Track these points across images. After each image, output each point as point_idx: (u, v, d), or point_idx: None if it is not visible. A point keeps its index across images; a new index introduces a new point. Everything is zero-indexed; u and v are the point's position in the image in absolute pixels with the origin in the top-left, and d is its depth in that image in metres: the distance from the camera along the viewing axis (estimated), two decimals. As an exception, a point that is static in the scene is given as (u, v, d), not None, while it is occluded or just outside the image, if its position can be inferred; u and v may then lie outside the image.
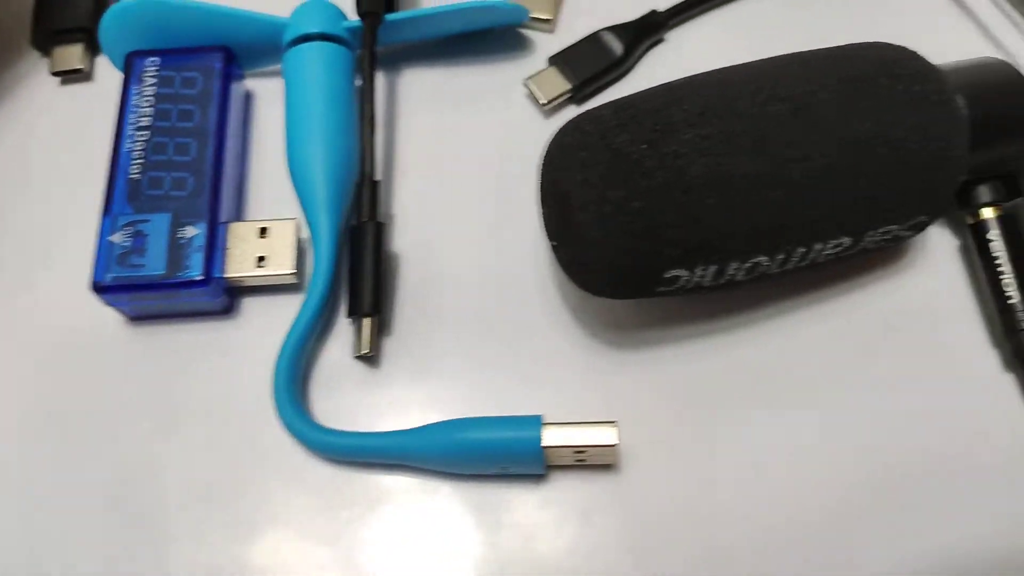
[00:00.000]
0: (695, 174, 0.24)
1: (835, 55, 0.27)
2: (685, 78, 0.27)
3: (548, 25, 0.35)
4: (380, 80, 0.34)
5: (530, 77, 0.33)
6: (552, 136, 0.26)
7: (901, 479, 0.27)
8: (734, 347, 0.29)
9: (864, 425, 0.28)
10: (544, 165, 0.27)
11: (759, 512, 0.27)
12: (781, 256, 0.26)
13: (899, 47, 0.27)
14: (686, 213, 0.24)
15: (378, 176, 0.30)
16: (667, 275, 0.25)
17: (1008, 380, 0.29)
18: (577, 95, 0.33)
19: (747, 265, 0.26)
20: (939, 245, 0.31)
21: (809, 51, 0.27)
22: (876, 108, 0.25)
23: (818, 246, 0.26)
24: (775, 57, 0.27)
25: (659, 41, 0.35)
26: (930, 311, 0.30)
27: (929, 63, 0.27)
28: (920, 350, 0.29)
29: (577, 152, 0.25)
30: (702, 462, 0.28)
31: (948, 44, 0.34)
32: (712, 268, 0.25)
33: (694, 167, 0.24)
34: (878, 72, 0.26)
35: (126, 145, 0.30)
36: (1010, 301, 0.28)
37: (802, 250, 0.26)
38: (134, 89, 0.31)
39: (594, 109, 0.26)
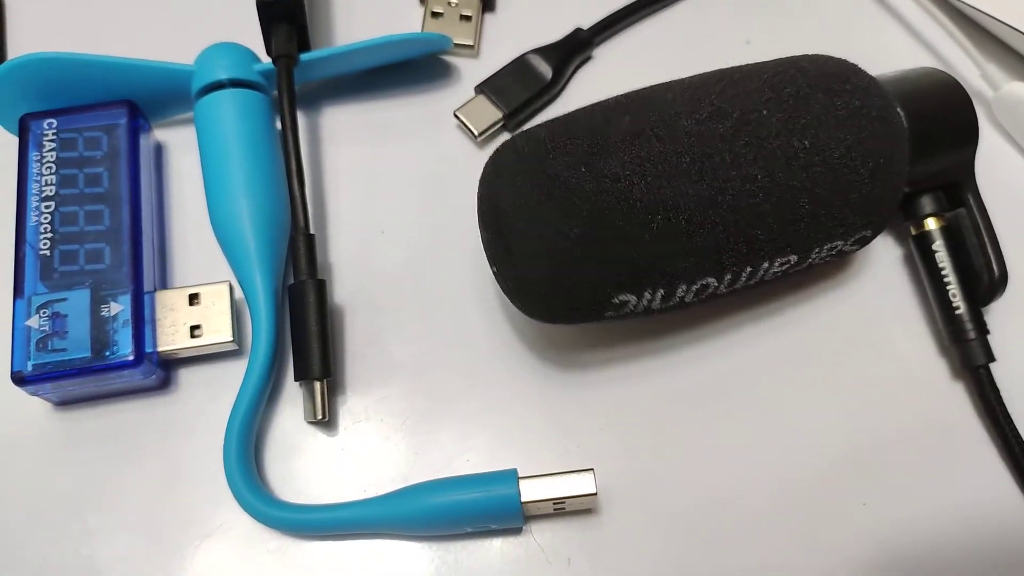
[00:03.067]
0: (636, 197, 0.24)
1: (772, 70, 0.27)
2: (622, 95, 0.27)
3: (471, 51, 0.35)
4: (301, 121, 0.33)
5: (460, 108, 0.33)
6: (490, 158, 0.26)
7: (866, 482, 0.29)
8: (689, 364, 0.30)
9: (828, 434, 0.29)
10: (481, 187, 0.26)
11: (739, 532, 0.28)
12: (729, 276, 0.26)
13: (837, 60, 0.28)
14: (628, 238, 0.24)
15: (312, 228, 0.30)
16: (615, 300, 0.25)
17: (958, 387, 0.30)
18: (510, 123, 0.33)
19: (695, 287, 0.26)
20: (883, 255, 0.32)
21: (745, 66, 0.28)
22: (814, 126, 0.26)
23: (765, 264, 0.27)
24: (709, 73, 0.27)
25: (587, 59, 0.35)
26: (877, 321, 0.31)
27: (868, 76, 0.27)
28: (870, 360, 0.31)
29: (514, 176, 0.25)
30: (677, 486, 0.28)
31: (881, 50, 0.36)
32: (660, 291, 0.26)
33: (635, 190, 0.24)
34: (815, 88, 0.26)
35: (31, 219, 0.29)
36: (957, 311, 0.30)
37: (749, 269, 0.26)
38: (33, 156, 0.30)
39: (531, 129, 0.26)
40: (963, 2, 0.35)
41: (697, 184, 0.25)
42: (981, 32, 0.36)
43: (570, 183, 0.24)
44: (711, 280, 0.26)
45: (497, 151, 0.26)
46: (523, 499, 0.26)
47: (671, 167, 0.25)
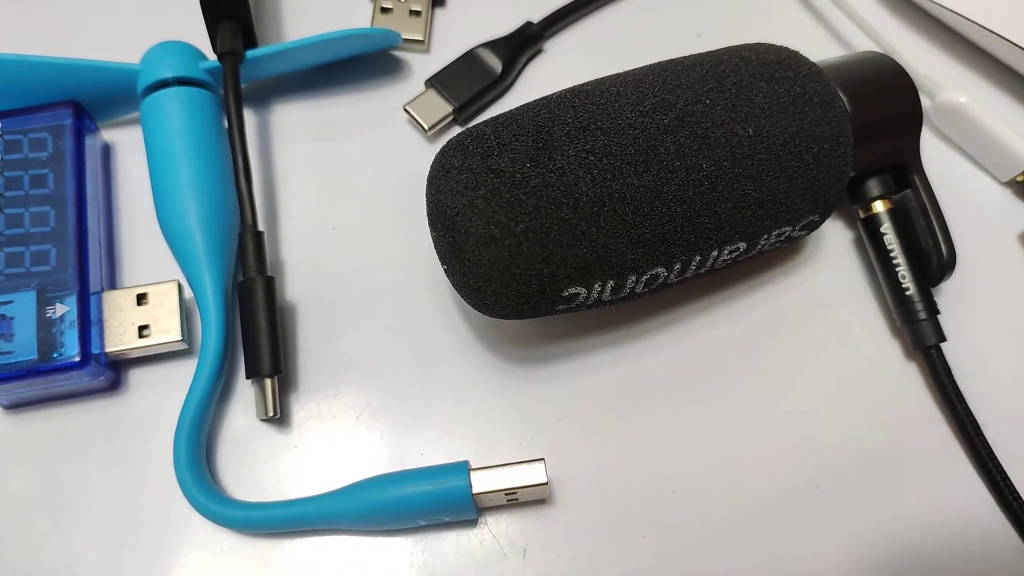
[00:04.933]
0: (583, 190, 0.25)
1: (715, 59, 0.28)
2: (566, 90, 0.27)
3: (421, 46, 0.35)
4: (250, 119, 0.34)
5: (410, 102, 0.33)
6: (435, 156, 0.27)
7: (820, 464, 0.29)
8: (644, 354, 0.31)
9: (782, 419, 0.30)
10: (428, 187, 0.27)
11: (693, 519, 0.28)
12: (678, 266, 0.27)
13: (779, 48, 0.28)
14: (576, 231, 0.25)
15: (261, 225, 0.30)
16: (564, 294, 0.26)
17: (911, 368, 0.31)
18: (460, 116, 0.34)
19: (645, 277, 0.27)
20: (833, 239, 0.33)
21: (689, 56, 0.28)
22: (757, 114, 0.26)
23: (714, 253, 0.27)
24: (654, 64, 0.28)
25: (538, 52, 0.36)
26: (830, 304, 0.32)
27: (809, 62, 0.28)
28: (824, 343, 0.31)
29: (460, 174, 0.25)
30: (633, 476, 0.29)
31: (819, 39, 0.36)
32: (610, 283, 0.26)
33: (581, 183, 0.25)
34: (757, 76, 0.27)
35: (-25, 222, 0.29)
36: (907, 293, 0.30)
37: (699, 258, 0.27)
38: (-23, 158, 0.29)
39: (476, 127, 0.26)
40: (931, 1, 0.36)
41: (643, 175, 0.25)
42: (924, 27, 0.37)
43: (515, 178, 0.25)
44: (661, 270, 0.27)
45: (443, 150, 0.26)
46: (475, 490, 0.26)
47: (616, 160, 0.25)
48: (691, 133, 0.26)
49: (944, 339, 0.30)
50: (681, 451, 0.29)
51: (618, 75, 0.27)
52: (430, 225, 0.27)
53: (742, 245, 0.27)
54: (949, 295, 0.32)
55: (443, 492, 0.26)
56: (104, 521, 0.28)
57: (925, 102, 0.35)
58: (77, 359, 0.27)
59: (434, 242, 0.27)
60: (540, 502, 0.28)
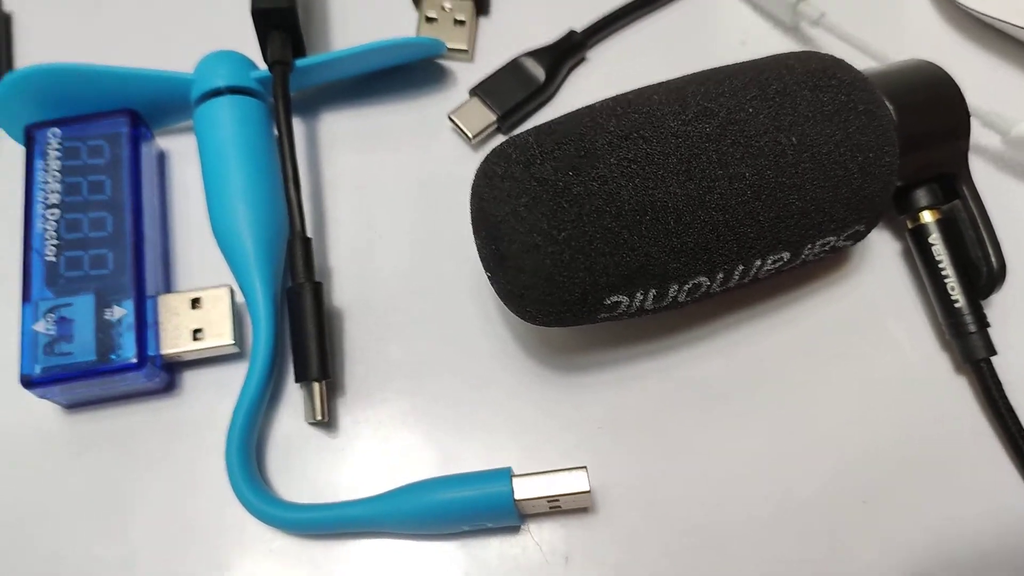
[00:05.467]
0: (625, 199, 0.25)
1: (758, 68, 0.28)
2: (609, 99, 0.27)
3: (466, 55, 0.36)
4: (298, 127, 0.34)
5: (454, 111, 0.34)
6: (480, 165, 0.27)
7: (867, 478, 0.29)
8: (686, 363, 0.31)
9: (827, 431, 0.30)
10: (473, 195, 0.27)
11: (735, 530, 0.28)
12: (721, 275, 0.27)
13: (823, 55, 0.28)
14: (618, 239, 0.25)
15: (308, 232, 0.30)
16: (607, 302, 0.26)
17: (960, 381, 0.31)
18: (504, 124, 0.34)
19: (688, 286, 0.27)
20: (881, 249, 0.33)
21: (731, 64, 0.28)
22: (801, 123, 0.26)
23: (757, 262, 0.27)
24: (697, 73, 0.28)
25: (581, 61, 0.36)
26: (877, 316, 0.32)
27: (854, 70, 0.28)
28: (871, 356, 0.31)
29: (503, 182, 0.26)
30: (675, 485, 0.29)
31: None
32: (652, 292, 0.26)
33: (623, 191, 0.25)
34: (801, 84, 0.27)
35: (37, 226, 0.30)
36: (956, 305, 0.30)
37: (742, 267, 0.27)
38: (39, 164, 0.31)
39: (518, 136, 0.27)
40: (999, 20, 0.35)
41: (685, 184, 0.25)
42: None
43: (558, 187, 0.25)
44: (703, 279, 0.27)
45: (487, 158, 0.27)
46: (517, 497, 0.26)
47: (659, 168, 0.25)
48: (734, 142, 0.26)
49: (994, 352, 0.30)
50: (723, 461, 0.29)
51: (660, 84, 0.28)
52: (474, 232, 0.27)
53: (785, 255, 0.27)
54: (1000, 307, 0.31)
55: (486, 498, 0.27)
56: (159, 519, 0.29)
57: (994, 139, 0.34)
58: (134, 361, 0.28)
59: (478, 249, 0.28)
60: (583, 510, 0.28)
